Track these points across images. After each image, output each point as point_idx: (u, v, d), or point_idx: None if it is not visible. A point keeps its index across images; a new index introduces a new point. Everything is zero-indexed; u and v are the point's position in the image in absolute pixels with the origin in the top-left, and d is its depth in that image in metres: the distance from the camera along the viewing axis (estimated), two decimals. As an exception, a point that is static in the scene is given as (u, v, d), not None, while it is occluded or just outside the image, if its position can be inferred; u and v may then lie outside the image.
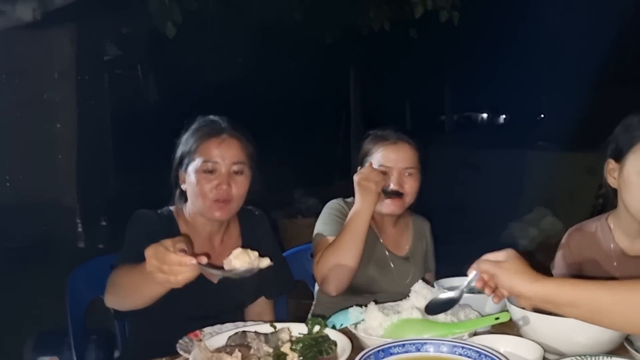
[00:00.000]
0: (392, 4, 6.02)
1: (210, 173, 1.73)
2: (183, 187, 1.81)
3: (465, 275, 1.34)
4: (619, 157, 1.71)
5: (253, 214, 1.95)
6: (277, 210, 6.03)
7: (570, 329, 1.27)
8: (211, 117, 1.85)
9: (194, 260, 1.25)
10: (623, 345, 1.31)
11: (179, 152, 1.82)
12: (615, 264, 1.80)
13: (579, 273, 1.87)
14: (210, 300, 1.73)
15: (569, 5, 10.80)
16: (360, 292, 1.93)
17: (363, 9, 6.16)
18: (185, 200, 1.83)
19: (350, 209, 1.95)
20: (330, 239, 1.92)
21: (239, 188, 1.75)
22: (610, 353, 1.28)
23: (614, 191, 1.77)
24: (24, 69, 6.18)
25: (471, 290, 1.39)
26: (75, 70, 6.68)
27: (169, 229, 1.75)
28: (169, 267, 1.25)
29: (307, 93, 12.26)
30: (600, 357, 1.23)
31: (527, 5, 11.39)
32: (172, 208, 1.86)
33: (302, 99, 12.46)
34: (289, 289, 2.02)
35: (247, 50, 7.57)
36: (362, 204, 1.86)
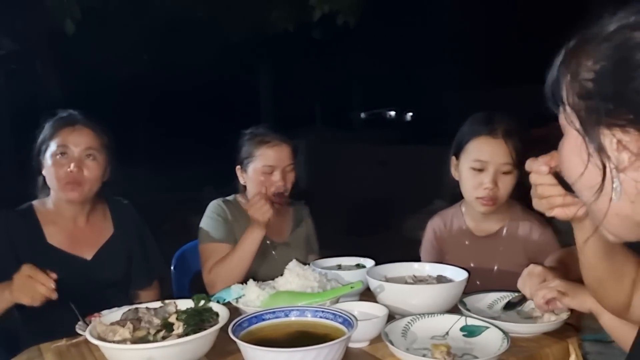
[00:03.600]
0: (293, 6, 6.24)
1: (62, 156, 1.92)
2: (43, 172, 1.98)
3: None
4: (459, 152, 2.02)
5: (121, 203, 2.17)
6: (187, 208, 6.11)
7: (410, 295, 1.56)
8: (70, 110, 2.05)
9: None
10: (457, 306, 1.61)
11: (39, 141, 2.00)
12: (467, 242, 2.11)
13: (442, 252, 2.18)
14: (86, 276, 1.93)
15: (463, 8, 11.47)
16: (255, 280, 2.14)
17: (266, 11, 6.33)
18: (49, 188, 2.01)
19: (230, 209, 2.21)
20: (216, 245, 2.15)
21: (91, 172, 1.95)
22: (446, 312, 1.57)
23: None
24: None
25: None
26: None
27: (25, 224, 1.95)
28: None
29: (216, 91, 12.27)
30: (435, 315, 1.52)
31: (426, 8, 11.97)
32: (34, 202, 2.03)
33: (211, 97, 12.45)
34: (161, 274, 2.27)
35: (153, 47, 7.56)
36: (255, 232, 2.07)
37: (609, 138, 0.78)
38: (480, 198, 1.95)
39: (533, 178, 1.13)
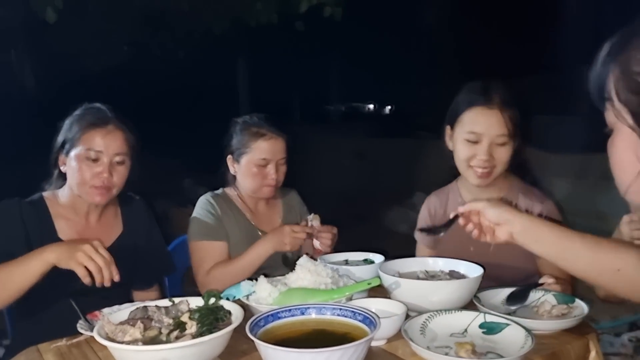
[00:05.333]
0: (279, -2, 6.17)
1: (93, 161, 1.82)
2: (62, 169, 1.89)
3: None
4: (453, 122, 1.96)
5: (133, 199, 2.07)
6: (167, 200, 6.02)
7: (427, 291, 1.52)
8: (97, 104, 1.92)
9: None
10: (472, 302, 1.58)
11: (61, 137, 1.88)
12: None
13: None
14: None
15: (444, 3, 11.51)
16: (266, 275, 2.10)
17: (250, 2, 6.25)
18: (63, 181, 1.91)
19: (220, 204, 2.16)
20: (208, 243, 2.11)
21: (120, 177, 1.87)
22: (462, 308, 1.54)
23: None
24: None
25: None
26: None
27: (37, 215, 1.84)
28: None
29: (196, 83, 12.12)
30: (452, 311, 1.48)
31: (408, 2, 11.97)
32: (44, 193, 1.93)
33: (191, 89, 12.30)
34: (170, 272, 2.20)
35: (133, 38, 7.41)
36: (266, 246, 2.03)
37: None
38: (475, 170, 1.91)
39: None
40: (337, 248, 2.09)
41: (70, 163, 1.84)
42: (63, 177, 1.91)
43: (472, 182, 1.96)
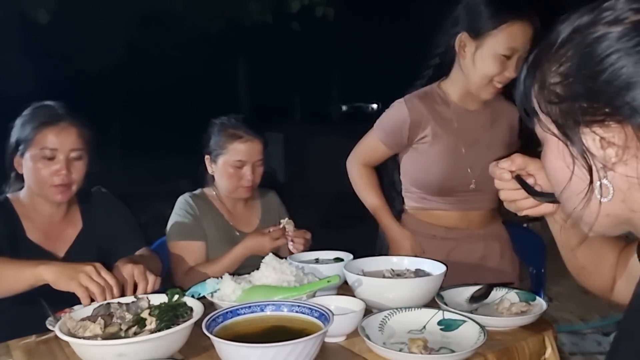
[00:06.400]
0: (273, -3, 6.20)
1: (49, 160, 1.83)
2: (20, 171, 1.89)
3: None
4: (478, 34, 1.89)
5: (91, 194, 2.05)
6: (164, 200, 6.04)
7: (387, 289, 1.55)
8: (47, 102, 1.92)
9: None
10: (434, 300, 1.60)
11: (14, 138, 1.89)
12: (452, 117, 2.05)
13: (415, 133, 2.05)
14: None
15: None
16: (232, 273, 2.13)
17: (244, 2, 6.28)
18: (22, 182, 1.92)
19: (198, 205, 2.20)
20: (187, 243, 2.14)
21: (78, 172, 1.88)
22: (425, 306, 1.56)
23: (450, 62, 2.02)
24: None
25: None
26: None
27: (6, 216, 1.86)
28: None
29: (194, 83, 12.14)
30: (412, 309, 1.51)
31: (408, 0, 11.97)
32: (8, 195, 1.94)
33: (189, 89, 12.33)
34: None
35: (128, 38, 7.43)
36: (245, 253, 2.07)
37: (591, 137, 0.77)
38: (495, 85, 1.92)
39: (497, 184, 1.13)
40: (326, 246, 2.06)
41: (27, 164, 1.85)
42: (21, 178, 1.91)
43: (482, 95, 1.97)
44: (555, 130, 0.82)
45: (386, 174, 2.28)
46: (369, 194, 2.21)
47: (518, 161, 1.09)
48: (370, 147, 2.18)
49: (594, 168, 0.78)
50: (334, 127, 15.17)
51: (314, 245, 2.13)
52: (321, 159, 9.63)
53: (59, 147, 1.83)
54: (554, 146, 0.84)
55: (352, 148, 2.28)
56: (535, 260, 2.48)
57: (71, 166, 1.85)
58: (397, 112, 2.06)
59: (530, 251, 2.45)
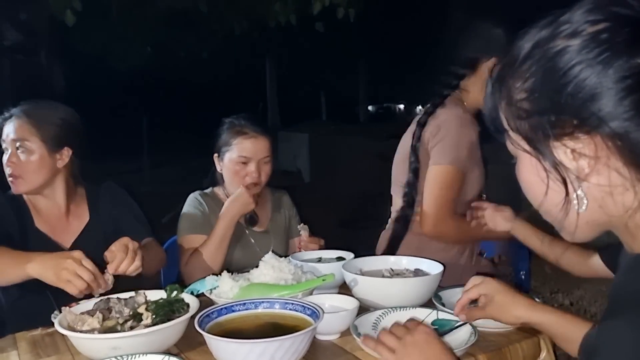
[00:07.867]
0: (295, -1, 6.23)
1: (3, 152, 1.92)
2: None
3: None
4: None
5: (99, 186, 2.11)
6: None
7: (383, 288, 1.56)
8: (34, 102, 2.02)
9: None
10: (431, 300, 1.60)
11: None
12: None
13: None
14: None
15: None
16: (230, 271, 2.15)
17: (268, 2, 6.32)
18: None
19: (207, 202, 2.21)
20: (192, 237, 2.15)
21: (23, 164, 1.91)
22: (421, 306, 1.56)
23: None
24: None
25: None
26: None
27: (19, 208, 1.95)
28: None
29: (221, 84, 12.26)
30: (407, 308, 1.51)
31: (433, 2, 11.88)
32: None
33: (216, 91, 12.46)
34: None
35: (156, 40, 7.55)
36: (233, 214, 2.11)
37: (562, 150, 0.77)
38: None
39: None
40: (343, 246, 2.03)
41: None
42: None
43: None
44: (526, 146, 0.82)
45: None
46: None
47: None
48: (448, 185, 2.01)
49: (567, 180, 0.78)
50: (360, 127, 15.17)
51: (332, 244, 2.10)
52: (347, 159, 9.66)
53: (5, 138, 1.92)
54: (526, 161, 0.84)
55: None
56: (521, 265, 2.52)
57: (16, 158, 1.90)
58: (468, 130, 2.04)
59: (515, 256, 2.47)
